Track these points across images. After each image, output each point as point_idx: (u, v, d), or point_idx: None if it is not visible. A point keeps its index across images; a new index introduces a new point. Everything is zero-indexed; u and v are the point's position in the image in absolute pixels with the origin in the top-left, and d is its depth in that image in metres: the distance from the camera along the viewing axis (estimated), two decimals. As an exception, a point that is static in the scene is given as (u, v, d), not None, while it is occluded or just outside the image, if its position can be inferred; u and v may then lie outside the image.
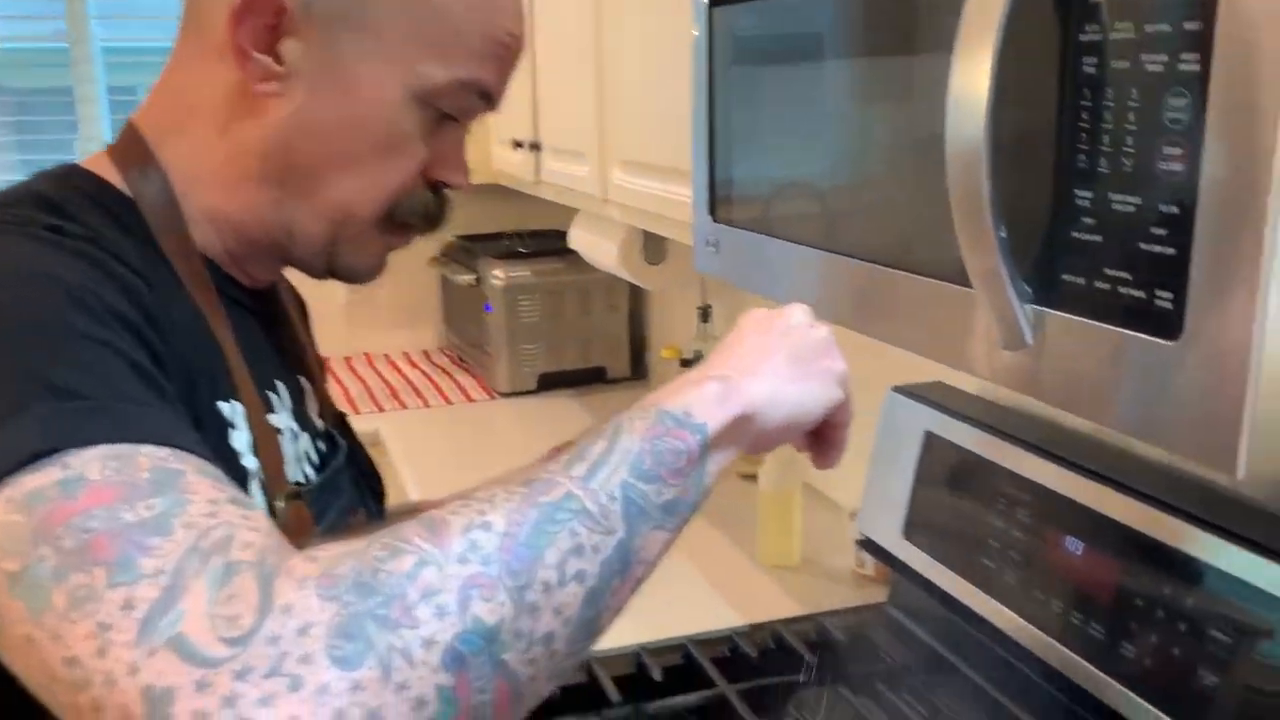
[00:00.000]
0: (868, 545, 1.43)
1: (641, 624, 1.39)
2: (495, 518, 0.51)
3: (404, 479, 2.05)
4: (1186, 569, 0.94)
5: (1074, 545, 1.05)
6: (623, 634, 1.38)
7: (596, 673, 1.23)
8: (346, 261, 0.77)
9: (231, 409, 0.69)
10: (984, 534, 1.18)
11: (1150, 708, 0.95)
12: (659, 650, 1.30)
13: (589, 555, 0.52)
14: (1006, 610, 1.14)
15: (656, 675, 1.24)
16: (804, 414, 0.67)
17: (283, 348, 0.82)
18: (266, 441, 0.70)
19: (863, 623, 1.43)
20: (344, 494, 0.78)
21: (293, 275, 0.84)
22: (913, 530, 1.32)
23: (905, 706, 1.22)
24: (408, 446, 2.22)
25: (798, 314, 0.72)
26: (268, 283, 0.81)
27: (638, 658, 1.29)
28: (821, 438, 0.73)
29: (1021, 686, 1.14)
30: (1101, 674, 1.00)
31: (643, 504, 0.55)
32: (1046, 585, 1.09)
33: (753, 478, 1.85)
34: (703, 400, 0.61)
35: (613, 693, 1.21)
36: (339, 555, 0.48)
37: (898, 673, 1.30)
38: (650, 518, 0.56)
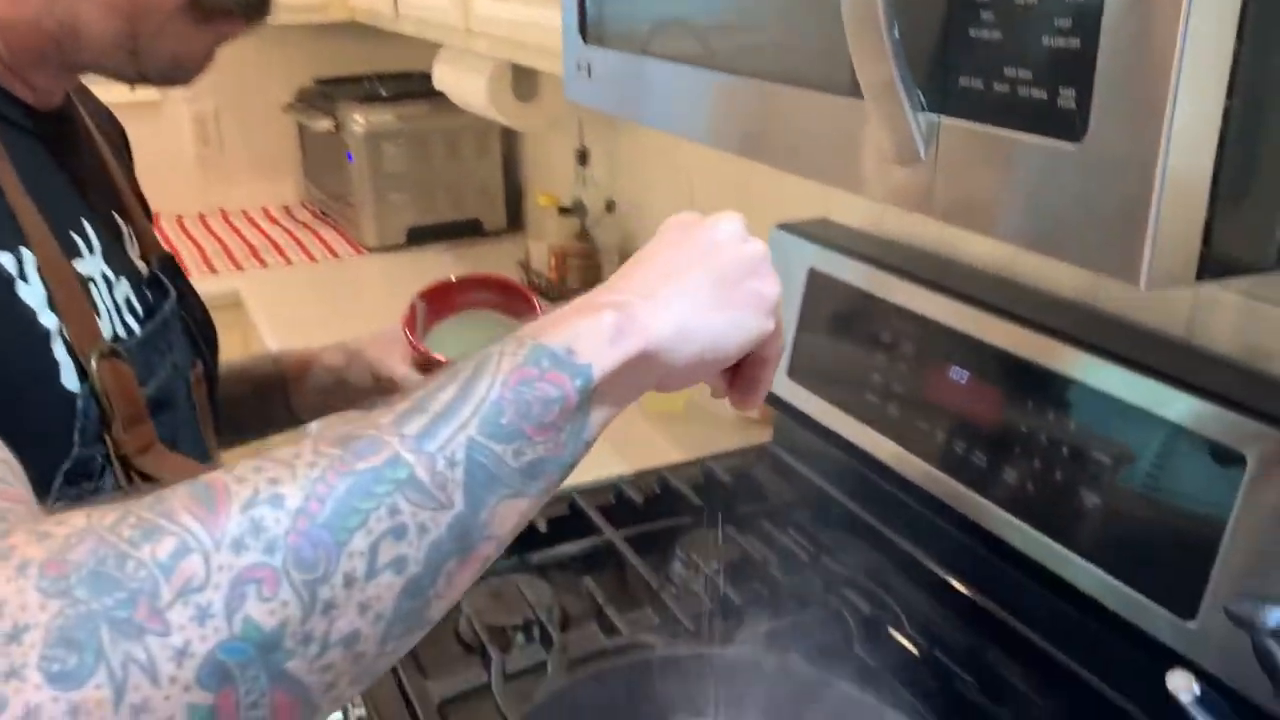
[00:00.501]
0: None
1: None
2: (290, 490, 0.39)
3: (268, 344, 1.94)
4: (1067, 391, 0.93)
5: (958, 375, 1.04)
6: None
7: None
8: (155, 61, 0.66)
9: (15, 259, 0.59)
10: (868, 369, 1.17)
11: (1031, 530, 0.96)
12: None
13: (412, 538, 0.41)
14: (890, 444, 1.13)
15: (542, 526, 1.21)
16: (721, 349, 0.54)
17: (86, 181, 0.71)
18: (69, 292, 0.60)
19: (748, 464, 1.42)
20: (175, 348, 0.69)
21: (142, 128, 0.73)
22: (797, 370, 1.30)
23: (792, 544, 1.22)
24: (270, 308, 2.11)
25: (727, 224, 0.57)
26: (60, 100, 0.70)
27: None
28: (742, 374, 0.59)
29: (905, 518, 1.15)
30: (983, 500, 1.01)
31: (494, 469, 0.43)
32: (930, 417, 1.08)
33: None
34: (593, 335, 0.48)
35: (496, 546, 1.17)
36: (78, 532, 0.36)
37: (783, 511, 1.30)
38: (503, 484, 0.44)
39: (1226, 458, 0.80)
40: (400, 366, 0.88)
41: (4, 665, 0.33)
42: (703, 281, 0.53)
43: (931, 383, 1.08)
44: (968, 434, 1.03)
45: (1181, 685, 0.60)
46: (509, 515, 0.45)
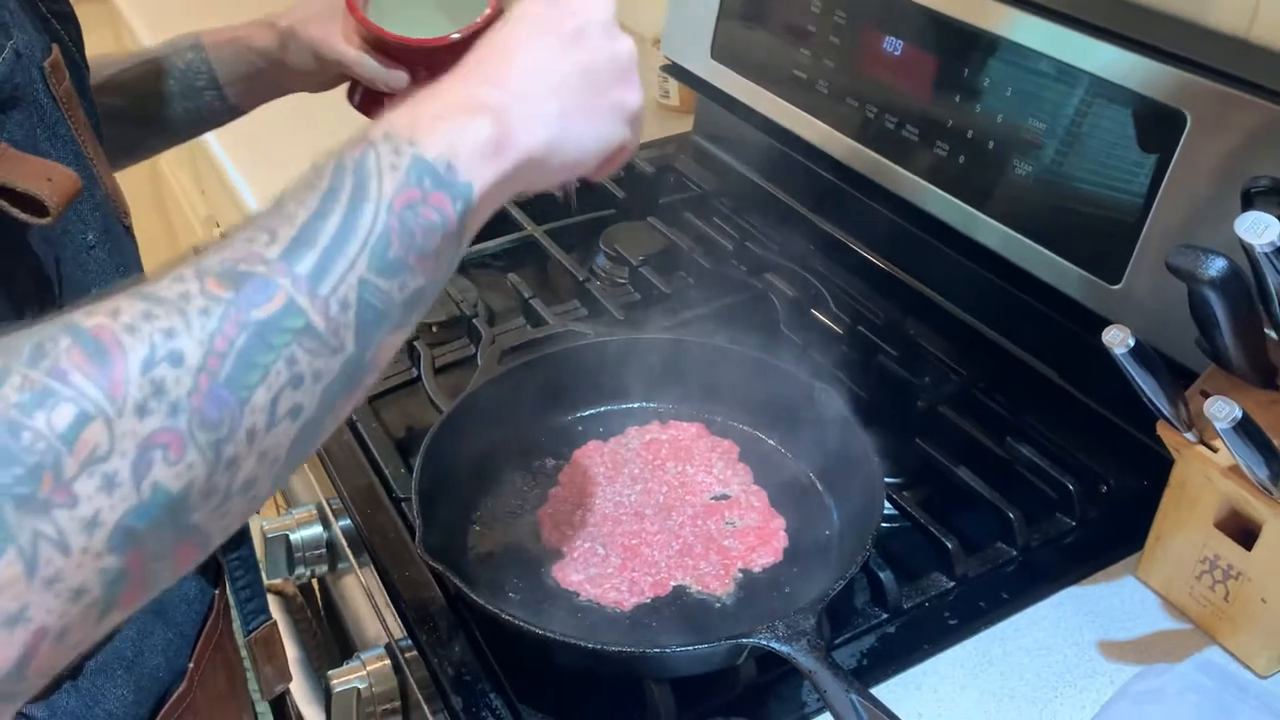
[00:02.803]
0: (673, 70, 1.34)
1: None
2: (187, 344, 0.36)
3: (144, 42, 1.77)
4: (1002, 54, 0.89)
5: (892, 45, 0.99)
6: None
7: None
8: None
9: None
10: (798, 44, 1.11)
11: (959, 203, 0.95)
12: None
13: (308, 385, 0.40)
14: (818, 122, 1.09)
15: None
16: (585, 161, 0.53)
17: None
18: None
19: (669, 154, 1.38)
20: (14, 28, 0.58)
21: None
22: (721, 49, 1.23)
23: (716, 232, 1.21)
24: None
25: (597, 10, 0.54)
26: None
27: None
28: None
29: (830, 199, 1.13)
30: (911, 175, 0.99)
31: (382, 307, 0.42)
32: (861, 92, 1.04)
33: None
34: (471, 149, 0.45)
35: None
36: None
37: (707, 199, 1.27)
38: (389, 320, 0.43)
39: (1164, 116, 0.79)
40: (349, 49, 0.78)
41: None
42: (574, 85, 0.52)
43: (864, 55, 1.03)
44: (900, 108, 1.00)
45: (1117, 339, 0.60)
46: (391, 347, 0.44)
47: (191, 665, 0.66)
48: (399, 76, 0.78)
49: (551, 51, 0.52)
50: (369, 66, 0.78)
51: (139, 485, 0.35)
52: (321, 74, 0.83)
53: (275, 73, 0.85)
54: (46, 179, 0.49)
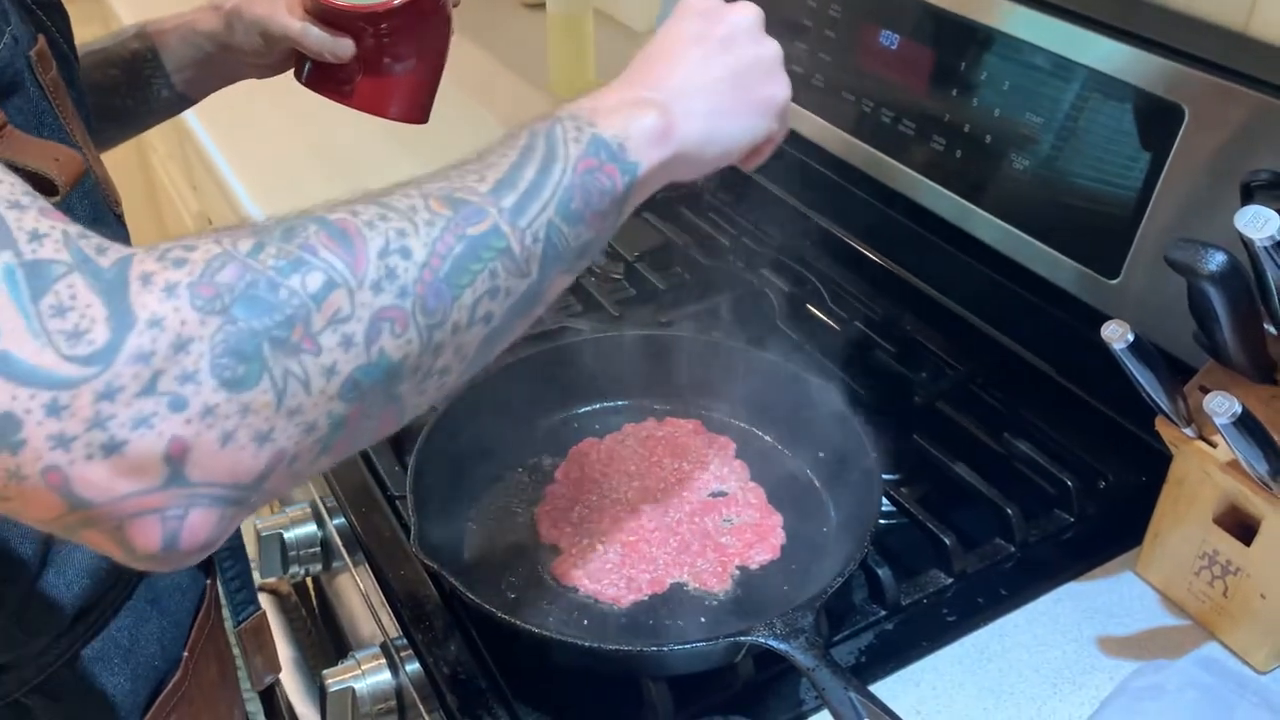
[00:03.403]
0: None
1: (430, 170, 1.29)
2: (416, 244, 0.44)
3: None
4: (999, 48, 0.89)
5: (889, 39, 0.98)
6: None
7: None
8: None
9: None
10: (794, 38, 1.10)
11: (956, 197, 0.95)
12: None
13: (501, 299, 0.47)
14: (815, 117, 1.09)
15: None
16: (735, 152, 0.60)
17: None
18: None
19: (664, 149, 1.37)
20: (5, 19, 0.58)
21: None
22: (715, 43, 1.22)
23: (711, 228, 1.20)
24: (132, -4, 1.90)
25: (744, 18, 0.61)
26: None
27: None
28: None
29: (826, 194, 1.13)
30: (908, 169, 0.99)
31: (561, 247, 0.50)
32: (857, 86, 1.04)
33: (539, 5, 1.69)
34: (641, 134, 0.53)
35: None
36: (217, 256, 0.40)
37: (702, 195, 1.26)
38: (563, 261, 0.50)
39: (1162, 110, 0.78)
40: (293, 21, 0.78)
41: (176, 371, 0.37)
42: (725, 86, 0.58)
43: (860, 50, 1.03)
44: (896, 102, 0.99)
45: (1115, 334, 0.60)
46: (559, 286, 0.51)
47: (186, 654, 0.67)
48: (345, 45, 0.78)
49: (704, 57, 0.58)
50: (314, 36, 0.78)
51: (369, 348, 0.42)
52: (268, 54, 0.82)
53: (223, 57, 0.85)
54: (54, 159, 0.53)
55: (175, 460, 0.37)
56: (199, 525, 0.39)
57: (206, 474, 0.38)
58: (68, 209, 0.55)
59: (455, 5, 0.84)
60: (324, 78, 0.82)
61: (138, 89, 0.85)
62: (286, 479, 0.41)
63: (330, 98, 0.83)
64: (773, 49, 0.62)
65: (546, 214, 0.49)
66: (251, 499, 0.40)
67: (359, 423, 0.43)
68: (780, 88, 0.62)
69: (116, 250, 0.39)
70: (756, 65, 0.60)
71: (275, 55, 0.82)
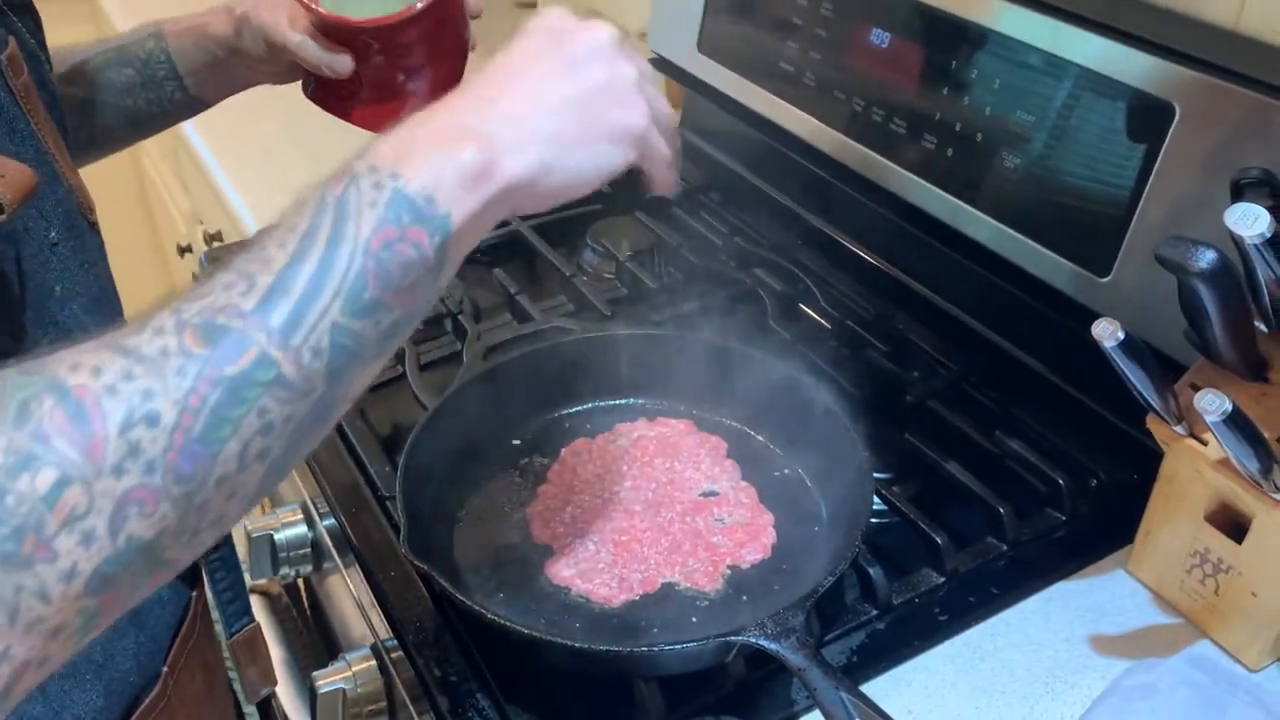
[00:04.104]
0: (659, 64, 1.33)
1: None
2: (164, 405, 0.38)
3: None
4: (990, 46, 0.89)
5: (880, 38, 0.98)
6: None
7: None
8: None
9: None
10: (785, 38, 1.10)
11: (948, 196, 0.94)
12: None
13: (278, 430, 0.41)
14: (806, 116, 1.09)
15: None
16: (580, 184, 0.52)
17: None
18: None
19: (656, 148, 1.37)
20: None
21: None
22: (708, 43, 1.22)
23: (703, 227, 1.20)
24: (123, -4, 1.89)
25: (599, 37, 0.53)
26: None
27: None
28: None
29: (817, 193, 1.13)
30: (899, 168, 0.99)
31: (356, 348, 0.43)
32: (848, 85, 1.03)
33: (532, 5, 1.69)
34: (454, 177, 0.46)
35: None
36: None
37: (694, 194, 1.26)
38: (361, 357, 0.44)
39: (1153, 108, 0.78)
40: (293, 32, 0.77)
41: None
42: (568, 111, 0.51)
43: (851, 47, 1.02)
44: (887, 101, 0.99)
45: (1106, 332, 0.60)
46: (364, 380, 0.45)
47: (166, 669, 0.65)
48: (343, 61, 0.76)
49: (547, 77, 0.51)
50: (310, 50, 0.76)
51: (115, 538, 0.37)
52: (274, 61, 0.81)
53: (233, 62, 0.84)
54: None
55: None
56: None
57: None
58: (42, 217, 0.54)
59: (476, 17, 0.79)
60: (327, 93, 0.80)
61: (151, 89, 0.84)
62: (41, 677, 0.38)
63: (333, 114, 0.80)
64: (628, 72, 0.54)
65: (330, 317, 0.42)
66: (2, 709, 0.37)
67: (123, 600, 0.39)
68: (635, 114, 0.53)
69: None
70: (608, 89, 0.53)
71: (284, 63, 0.80)
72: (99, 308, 0.58)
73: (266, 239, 0.44)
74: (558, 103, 0.51)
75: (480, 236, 0.49)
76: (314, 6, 0.74)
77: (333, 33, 0.75)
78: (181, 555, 0.41)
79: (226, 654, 0.76)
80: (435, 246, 0.45)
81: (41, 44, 0.62)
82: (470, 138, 0.47)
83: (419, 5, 0.73)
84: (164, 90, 0.85)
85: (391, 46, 0.76)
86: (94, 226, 0.60)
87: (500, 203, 0.48)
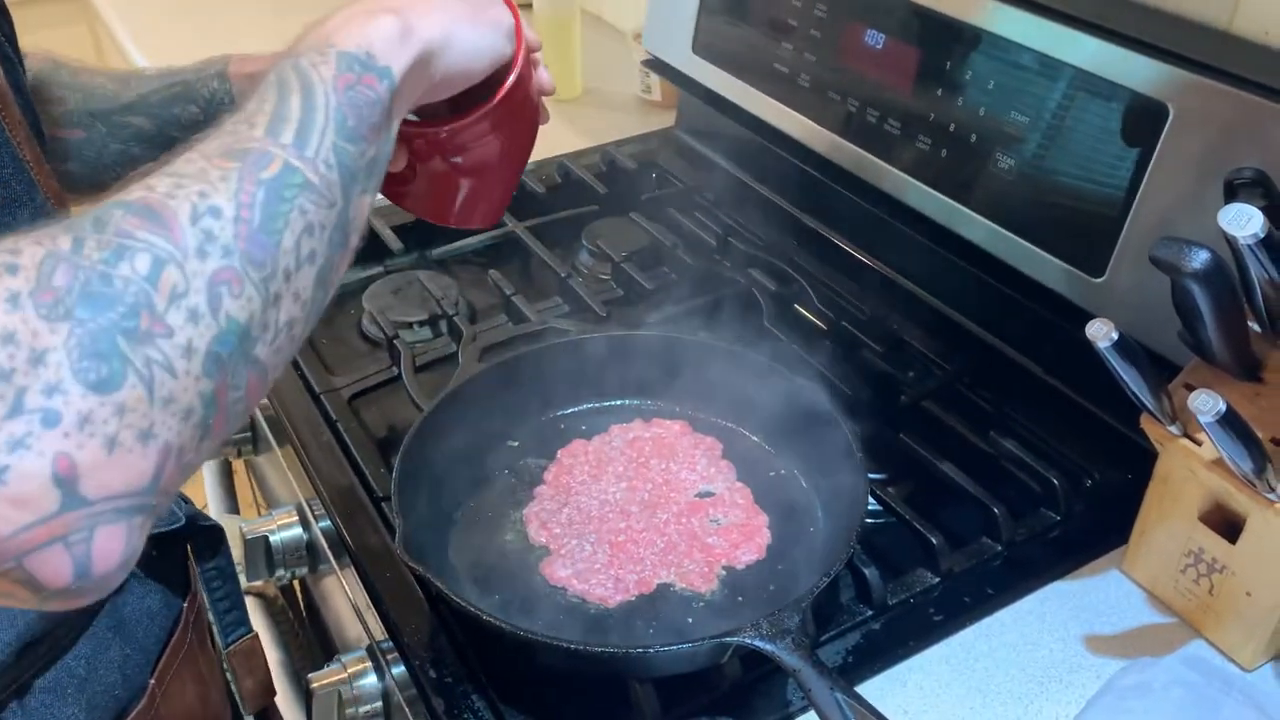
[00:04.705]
0: (655, 65, 1.33)
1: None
2: (221, 201, 0.43)
3: (127, 48, 1.76)
4: (984, 47, 0.89)
5: (874, 39, 0.98)
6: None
7: (374, 225, 1.14)
8: None
9: None
10: (779, 38, 1.10)
11: (942, 196, 0.95)
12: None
13: (318, 234, 0.47)
14: (801, 117, 1.09)
15: (440, 221, 1.15)
16: (477, 60, 0.60)
17: None
18: None
19: (651, 150, 1.37)
20: None
21: None
22: (703, 45, 1.22)
23: (698, 228, 1.20)
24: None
25: None
26: None
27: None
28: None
29: (812, 194, 1.13)
30: (893, 169, 0.99)
31: (354, 168, 0.49)
32: (843, 86, 1.04)
33: (526, 6, 1.69)
34: (383, 39, 0.52)
35: (393, 242, 1.12)
36: (45, 259, 0.38)
37: (690, 195, 1.26)
38: (359, 181, 0.50)
39: (1147, 109, 0.78)
40: None
41: (40, 385, 0.36)
42: (453, 2, 0.58)
43: (846, 48, 1.02)
44: (882, 102, 0.99)
45: (1100, 333, 0.60)
46: (364, 209, 0.50)
47: (153, 681, 0.65)
48: (398, 158, 0.68)
49: None
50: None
51: (216, 315, 0.41)
52: None
53: None
54: None
55: (65, 480, 0.36)
56: (108, 545, 0.38)
57: (101, 488, 0.37)
58: (17, 225, 0.53)
59: (548, 94, 0.73)
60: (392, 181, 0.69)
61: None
62: (177, 475, 0.40)
63: (389, 199, 0.71)
64: None
65: (329, 138, 0.48)
66: (151, 504, 0.39)
67: (228, 396, 0.42)
68: (504, 12, 0.63)
69: None
70: None
71: None
72: None
73: (245, 105, 0.48)
74: None
75: (412, 99, 0.55)
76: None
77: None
78: (268, 357, 0.44)
79: (225, 664, 0.76)
80: (387, 91, 0.51)
81: (14, 45, 0.61)
82: (384, 10, 0.53)
83: (485, 106, 0.65)
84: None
85: (455, 146, 0.68)
86: None
87: (422, 68, 0.54)
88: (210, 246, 0.41)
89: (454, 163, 0.69)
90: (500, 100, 0.65)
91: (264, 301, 0.43)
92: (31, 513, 0.35)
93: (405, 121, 0.66)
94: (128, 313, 0.38)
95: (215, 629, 0.76)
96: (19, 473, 0.35)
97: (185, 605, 0.69)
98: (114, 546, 0.38)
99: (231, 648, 0.76)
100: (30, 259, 0.37)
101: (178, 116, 0.81)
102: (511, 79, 0.65)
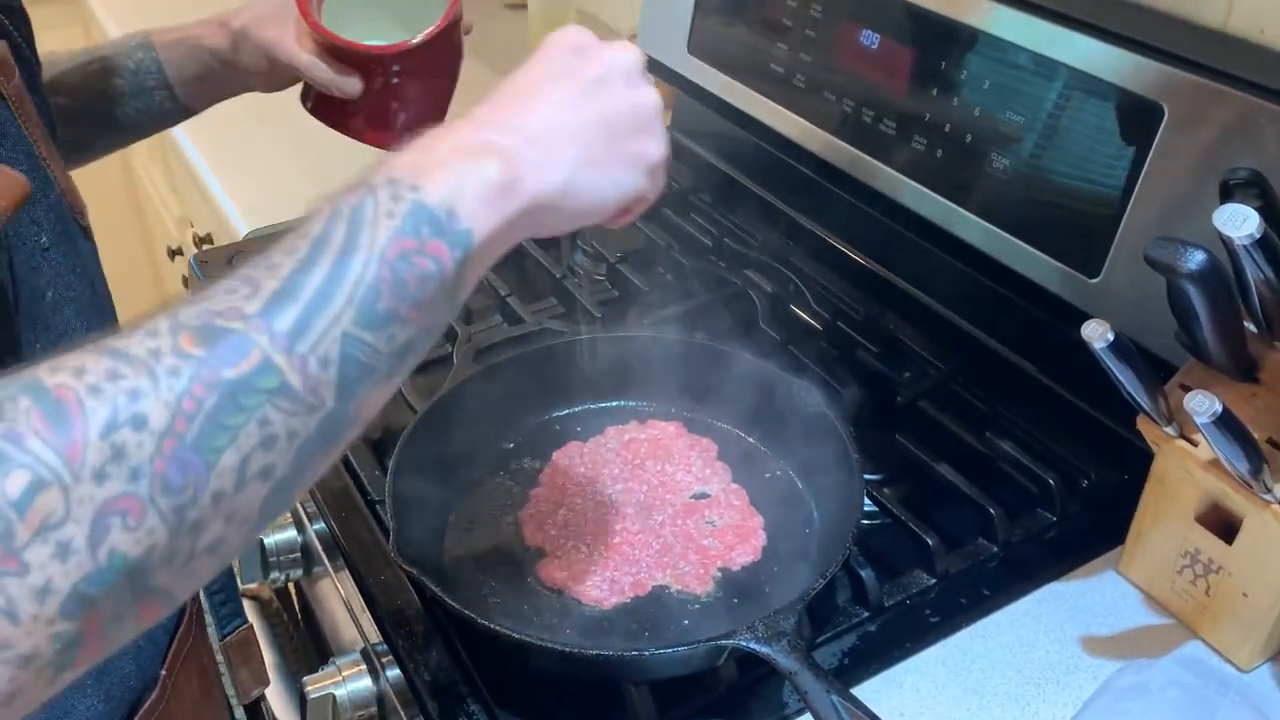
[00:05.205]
0: (649, 65, 1.33)
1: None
2: (152, 407, 0.35)
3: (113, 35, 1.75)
4: (980, 47, 0.89)
5: (870, 39, 0.98)
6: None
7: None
8: None
9: None
10: (775, 38, 1.10)
11: (937, 197, 0.94)
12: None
13: (282, 445, 0.38)
14: (796, 117, 1.09)
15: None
16: (598, 210, 0.52)
17: None
18: None
19: (647, 150, 1.36)
20: None
21: None
22: (698, 45, 1.22)
23: (693, 228, 1.20)
24: (111, -2, 1.89)
25: (623, 59, 0.52)
26: None
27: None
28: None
29: (808, 194, 1.13)
30: (888, 169, 0.99)
31: (368, 361, 0.41)
32: (838, 86, 1.03)
33: (522, 6, 1.69)
34: (477, 191, 0.44)
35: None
36: None
37: (685, 195, 1.26)
38: (376, 373, 0.41)
39: (1142, 109, 0.78)
40: (301, 53, 0.77)
41: None
42: (592, 133, 0.50)
43: (841, 48, 1.02)
44: (877, 102, 0.99)
45: (1095, 333, 0.60)
46: (377, 400, 0.43)
47: (164, 671, 0.65)
48: (352, 83, 0.78)
49: (572, 97, 0.50)
50: (322, 72, 0.77)
51: (95, 552, 0.34)
52: (274, 75, 0.82)
53: (227, 73, 0.84)
54: None
55: None
56: None
57: None
58: (34, 223, 0.53)
59: (468, 32, 0.83)
60: (329, 109, 0.81)
61: (140, 98, 0.85)
62: (9, 717, 0.34)
63: (335, 129, 0.82)
64: (651, 98, 0.53)
65: (340, 326, 0.40)
66: None
67: (104, 629, 0.35)
68: (655, 143, 0.53)
69: None
70: (631, 114, 0.52)
71: (282, 77, 0.82)
72: (92, 313, 0.58)
73: (272, 248, 0.41)
74: (583, 125, 0.50)
75: (497, 256, 0.47)
76: (330, 34, 0.75)
77: (343, 57, 0.77)
78: (174, 584, 0.37)
79: (220, 656, 0.76)
80: (455, 262, 0.43)
81: (31, 46, 0.62)
82: (494, 153, 0.46)
83: (436, 26, 0.75)
84: (153, 99, 0.85)
85: (402, 70, 0.78)
86: (86, 231, 0.60)
87: (521, 221, 0.47)
88: (115, 469, 0.34)
89: (395, 84, 0.77)
90: (442, 32, 0.74)
91: (173, 531, 0.36)
92: None
93: (360, 49, 0.75)
94: None
95: (211, 621, 0.76)
96: None
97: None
98: None
99: (228, 639, 0.76)
100: None
101: (101, 91, 0.82)
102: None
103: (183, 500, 0.36)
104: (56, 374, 0.35)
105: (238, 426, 0.37)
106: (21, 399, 0.34)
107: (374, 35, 0.78)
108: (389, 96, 0.79)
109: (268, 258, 0.41)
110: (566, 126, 0.49)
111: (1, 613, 0.32)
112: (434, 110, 0.82)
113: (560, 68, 0.51)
